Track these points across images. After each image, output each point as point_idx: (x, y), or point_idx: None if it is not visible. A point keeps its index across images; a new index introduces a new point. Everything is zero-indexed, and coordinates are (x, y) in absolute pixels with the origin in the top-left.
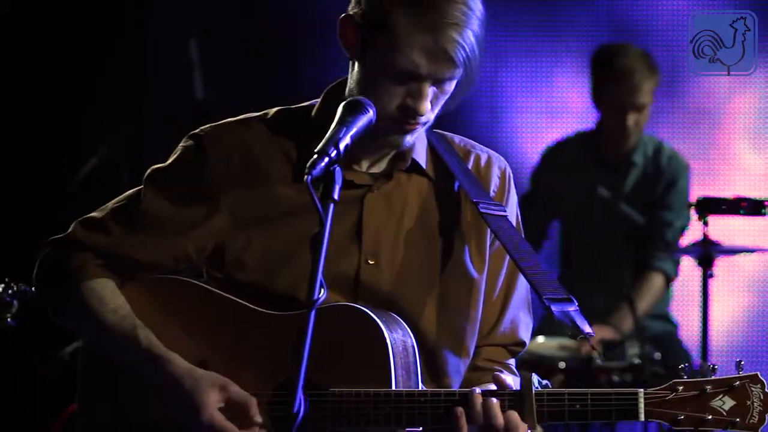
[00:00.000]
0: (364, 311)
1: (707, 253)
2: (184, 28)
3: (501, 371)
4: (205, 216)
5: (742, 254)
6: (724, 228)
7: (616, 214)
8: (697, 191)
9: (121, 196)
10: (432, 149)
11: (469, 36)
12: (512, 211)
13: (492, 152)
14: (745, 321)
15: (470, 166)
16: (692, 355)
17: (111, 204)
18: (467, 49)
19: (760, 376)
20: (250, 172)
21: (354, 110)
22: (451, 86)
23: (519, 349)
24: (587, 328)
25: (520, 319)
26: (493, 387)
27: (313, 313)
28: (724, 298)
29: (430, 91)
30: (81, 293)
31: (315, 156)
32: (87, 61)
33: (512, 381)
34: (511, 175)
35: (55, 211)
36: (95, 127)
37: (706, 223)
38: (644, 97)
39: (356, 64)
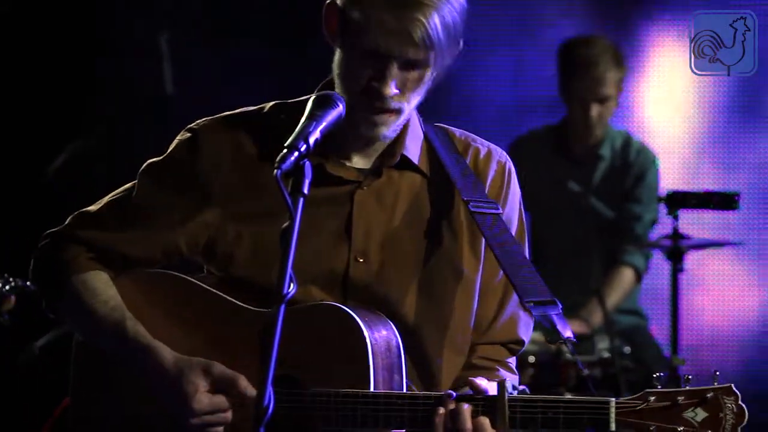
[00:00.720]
0: (345, 311)
1: (677, 247)
2: (155, 22)
3: (498, 370)
4: (197, 210)
5: (712, 248)
6: (694, 222)
7: (585, 208)
8: (667, 185)
9: (118, 190)
10: (429, 144)
11: (435, 20)
12: (513, 206)
13: (494, 146)
14: (714, 315)
15: (469, 160)
16: (662, 347)
17: (107, 197)
18: (432, 32)
19: (733, 389)
20: (242, 166)
21: (323, 104)
22: (423, 74)
23: (518, 348)
24: (568, 332)
25: (519, 317)
26: (463, 392)
27: (282, 308)
28: (694, 292)
29: (395, 73)
30: (74, 285)
31: (284, 150)
32: (58, 54)
33: (510, 381)
34: (513, 169)
35: (31, 204)
36: (67, 121)
37: (676, 217)
38: (608, 89)
39: (337, 52)
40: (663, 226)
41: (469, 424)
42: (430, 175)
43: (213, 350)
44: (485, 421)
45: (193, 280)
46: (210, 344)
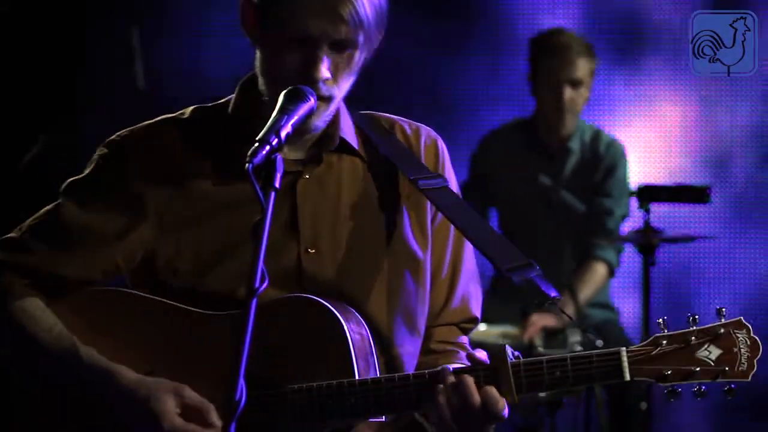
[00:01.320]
0: (320, 302)
1: (648, 241)
2: (127, 16)
3: (458, 352)
4: (132, 225)
5: (684, 242)
6: (665, 215)
7: (556, 202)
8: (637, 178)
9: (38, 213)
10: (359, 129)
11: None
12: (451, 178)
13: (420, 125)
14: (686, 309)
15: (398, 137)
16: (634, 342)
17: (28, 222)
18: (360, 10)
19: (744, 321)
20: (171, 175)
21: (294, 98)
22: (353, 56)
23: (471, 326)
24: (553, 293)
25: (471, 294)
26: (458, 366)
27: (254, 302)
28: (666, 286)
29: (326, 56)
30: (10, 315)
31: (256, 144)
32: (29, 48)
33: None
34: (444, 147)
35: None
36: (37, 115)
37: (647, 211)
38: (580, 72)
39: (258, 50)
40: (634, 220)
41: (477, 396)
42: (368, 158)
43: (176, 363)
44: (492, 391)
45: (139, 293)
46: (172, 357)
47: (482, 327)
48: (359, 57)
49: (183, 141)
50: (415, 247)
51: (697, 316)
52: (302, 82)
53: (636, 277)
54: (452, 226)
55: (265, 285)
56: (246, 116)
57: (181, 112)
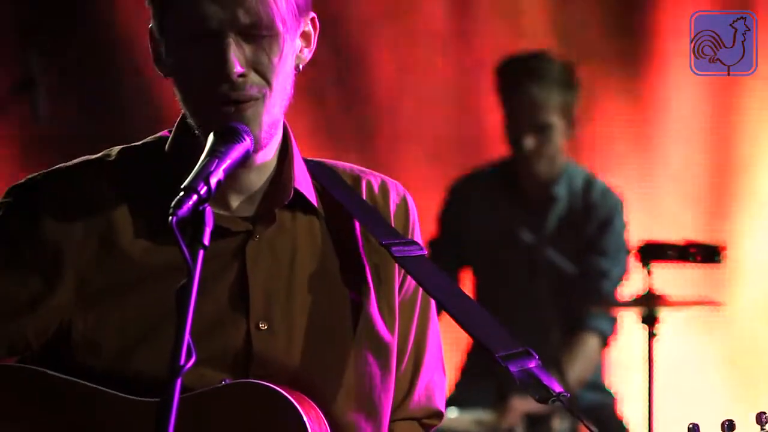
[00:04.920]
0: (278, 392)
1: (651, 308)
2: (23, 37)
3: None
4: (45, 290)
5: (692, 308)
6: (670, 278)
7: (540, 261)
8: (637, 234)
9: None
10: (316, 181)
11: None
12: (422, 245)
13: (387, 178)
14: (696, 389)
15: (364, 195)
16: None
17: None
18: None
19: None
20: (94, 230)
21: (226, 138)
22: (275, 43)
23: (435, 422)
24: (557, 387)
25: (435, 384)
26: None
27: (179, 383)
28: (671, 362)
29: (234, 48)
30: None
31: (181, 193)
32: None
33: None
34: (413, 206)
35: None
36: None
37: (649, 272)
38: (546, 115)
39: (173, 79)
40: (634, 283)
41: None
42: (326, 215)
43: None
44: None
45: (49, 372)
46: None
47: (453, 413)
48: (284, 43)
49: (108, 188)
50: (382, 327)
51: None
52: (215, 86)
53: (636, 352)
54: (418, 302)
55: (191, 362)
56: (186, 158)
57: (106, 152)
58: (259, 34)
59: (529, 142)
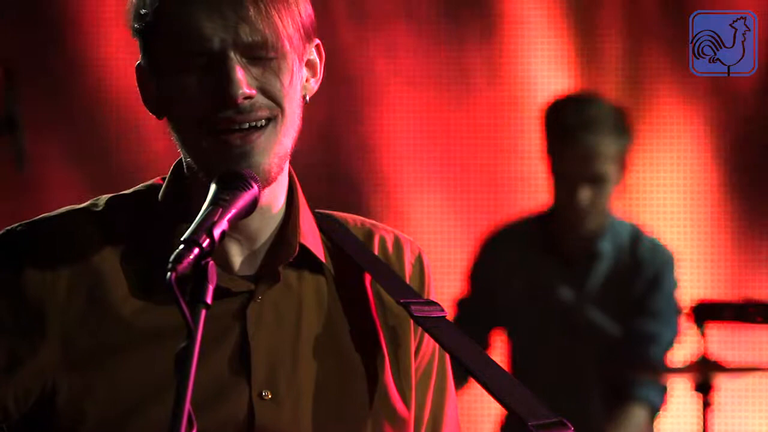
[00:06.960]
0: None
1: (706, 374)
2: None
3: None
4: (28, 351)
5: (751, 375)
6: (727, 341)
7: (580, 322)
8: (690, 292)
9: None
10: (324, 236)
11: None
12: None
13: (400, 233)
14: None
15: (375, 251)
16: None
17: None
18: (261, 5)
19: None
20: (80, 285)
21: (231, 185)
22: (284, 64)
23: None
24: None
25: None
26: None
27: None
28: None
29: (239, 68)
30: None
31: (181, 246)
32: None
33: None
34: (429, 263)
35: None
36: None
37: (704, 335)
38: (602, 165)
39: (168, 121)
40: (687, 347)
41: None
42: (336, 274)
43: None
44: None
45: None
46: None
47: None
48: (293, 64)
49: (96, 241)
50: (398, 399)
51: None
52: (217, 112)
53: (689, 424)
54: (434, 369)
55: None
56: (182, 208)
57: (92, 202)
58: (266, 56)
59: (585, 194)
